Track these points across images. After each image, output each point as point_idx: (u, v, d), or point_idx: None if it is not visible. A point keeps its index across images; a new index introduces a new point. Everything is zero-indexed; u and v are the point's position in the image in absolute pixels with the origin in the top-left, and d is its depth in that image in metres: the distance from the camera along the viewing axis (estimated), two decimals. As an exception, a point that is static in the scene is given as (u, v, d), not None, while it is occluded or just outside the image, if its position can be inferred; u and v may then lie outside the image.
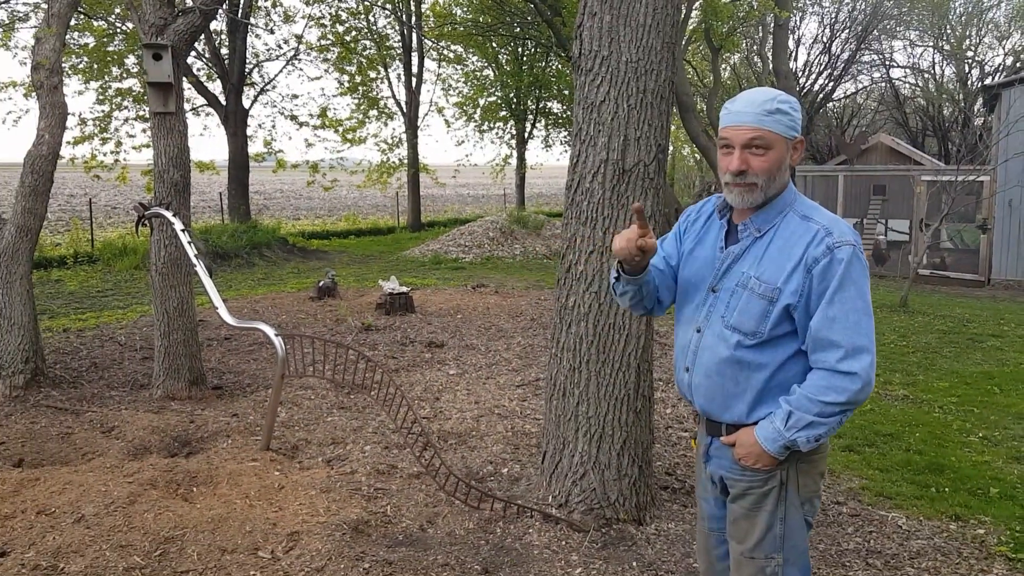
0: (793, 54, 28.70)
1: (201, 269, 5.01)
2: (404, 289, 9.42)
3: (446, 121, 29.68)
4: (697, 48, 27.97)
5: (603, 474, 3.93)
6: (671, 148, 38.79)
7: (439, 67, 27.60)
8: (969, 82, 30.45)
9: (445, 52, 25.89)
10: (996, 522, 4.14)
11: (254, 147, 19.94)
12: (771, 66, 20.84)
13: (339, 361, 6.17)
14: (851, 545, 3.85)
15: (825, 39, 29.51)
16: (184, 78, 18.14)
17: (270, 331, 4.54)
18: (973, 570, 3.63)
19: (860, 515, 4.19)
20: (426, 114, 44.00)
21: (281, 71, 26.94)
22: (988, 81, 25.76)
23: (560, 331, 4.03)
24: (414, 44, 23.64)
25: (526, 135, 30.76)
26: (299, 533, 3.66)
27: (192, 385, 6.07)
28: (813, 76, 30.02)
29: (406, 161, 24.32)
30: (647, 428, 4.09)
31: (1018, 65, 28.98)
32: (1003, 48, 31.55)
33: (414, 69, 24.24)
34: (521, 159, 30.59)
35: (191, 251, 5.12)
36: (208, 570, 3.38)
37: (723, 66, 31.71)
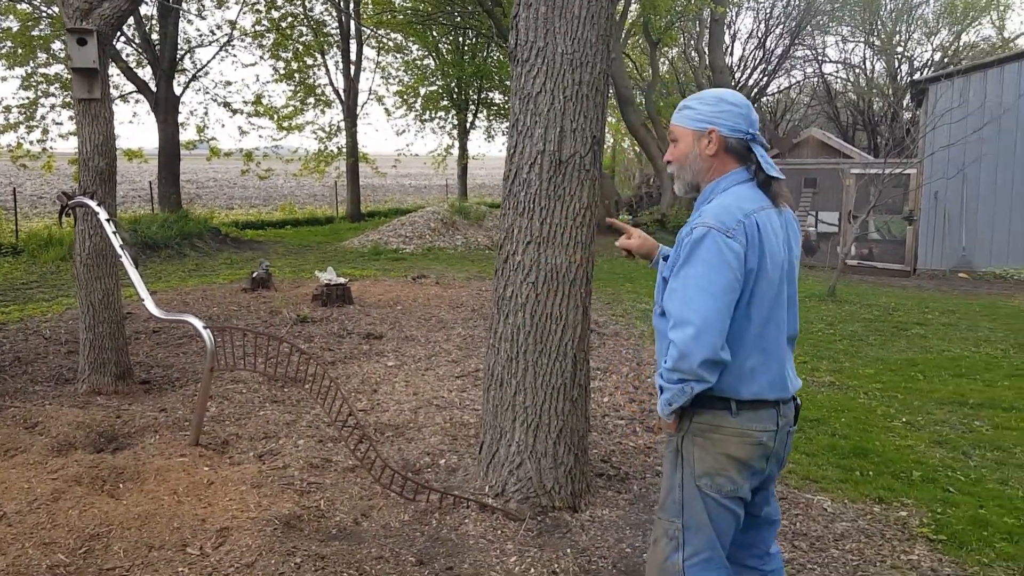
0: (729, 49, 29.21)
1: (126, 260, 4.86)
2: (342, 280, 9.31)
3: (386, 110, 29.42)
4: (636, 42, 28.23)
5: (539, 463, 3.94)
6: (611, 140, 39.13)
7: (378, 55, 27.34)
8: (898, 77, 31.40)
9: (384, 40, 25.61)
10: (918, 504, 4.29)
11: (186, 135, 19.46)
12: (707, 61, 21.14)
13: (272, 354, 6.07)
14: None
15: (760, 34, 30.10)
16: (112, 63, 17.59)
17: (198, 323, 4.43)
18: (896, 551, 3.75)
19: (787, 498, 4.30)
20: (365, 102, 43.28)
21: (214, 57, 26.26)
22: (916, 76, 26.61)
23: (498, 321, 4.03)
24: (352, 31, 23.32)
25: (468, 125, 30.67)
26: (229, 529, 3.60)
27: (119, 379, 5.90)
28: (748, 71, 30.59)
29: (345, 150, 24.03)
30: (583, 417, 4.12)
31: (946, 61, 29.98)
32: (931, 44, 32.64)
33: (352, 57, 23.93)
34: (463, 149, 30.49)
35: (116, 241, 4.96)
36: (135, 567, 3.29)
37: (661, 60, 32.07)
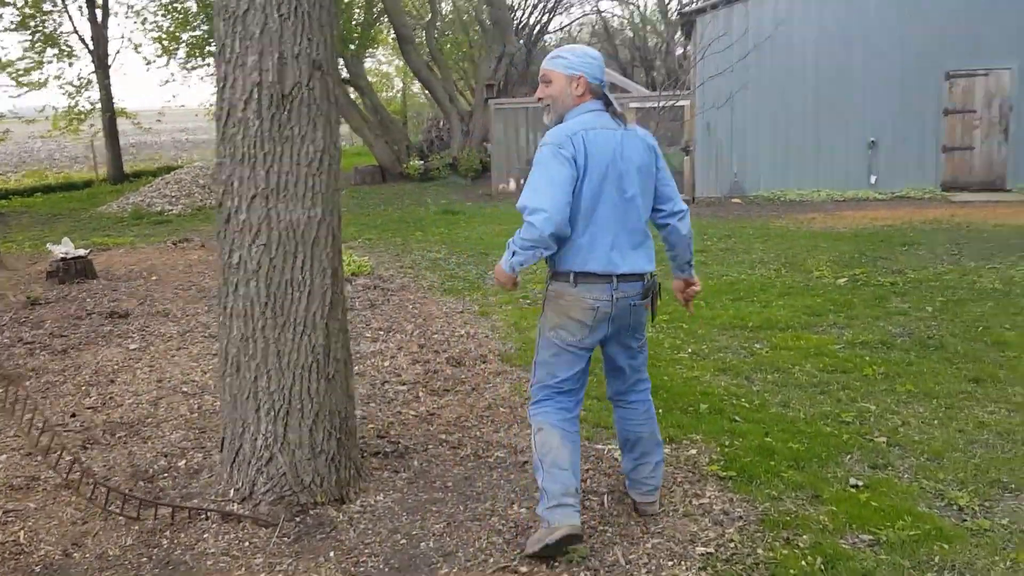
0: (509, -15, 28.84)
1: None
2: (81, 252, 8.08)
3: (145, 59, 26.70)
4: (415, -22, 27.26)
5: (294, 455, 3.37)
6: (401, 84, 37.89)
7: (130, -2, 24.66)
8: (669, 12, 32.52)
9: (134, -20, 23.08)
10: (707, 439, 4.15)
11: None
12: (486, -4, 20.71)
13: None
14: (568, 490, 3.63)
15: (538, -30, 29.90)
16: None
17: None
18: (687, 496, 3.55)
19: (577, 454, 4.00)
20: (118, 52, 39.57)
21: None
22: (684, 9, 27.58)
23: (226, 295, 3.36)
24: (94, -30, 20.73)
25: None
26: None
27: None
28: (529, 9, 30.47)
29: (100, 105, 21.55)
30: (346, 394, 3.58)
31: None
32: (695, -19, 33.93)
33: (98, 0, 21.33)
34: (238, 100, 28.37)
35: None
36: None
37: (443, -1, 31.28)
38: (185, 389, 4.89)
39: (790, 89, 15.08)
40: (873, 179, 14.98)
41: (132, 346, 5.84)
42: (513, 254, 2.92)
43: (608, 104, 3.05)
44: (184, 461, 3.85)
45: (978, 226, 11.15)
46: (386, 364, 5.37)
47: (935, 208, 13.37)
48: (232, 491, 3.38)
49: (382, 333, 6.06)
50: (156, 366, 5.36)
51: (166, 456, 3.91)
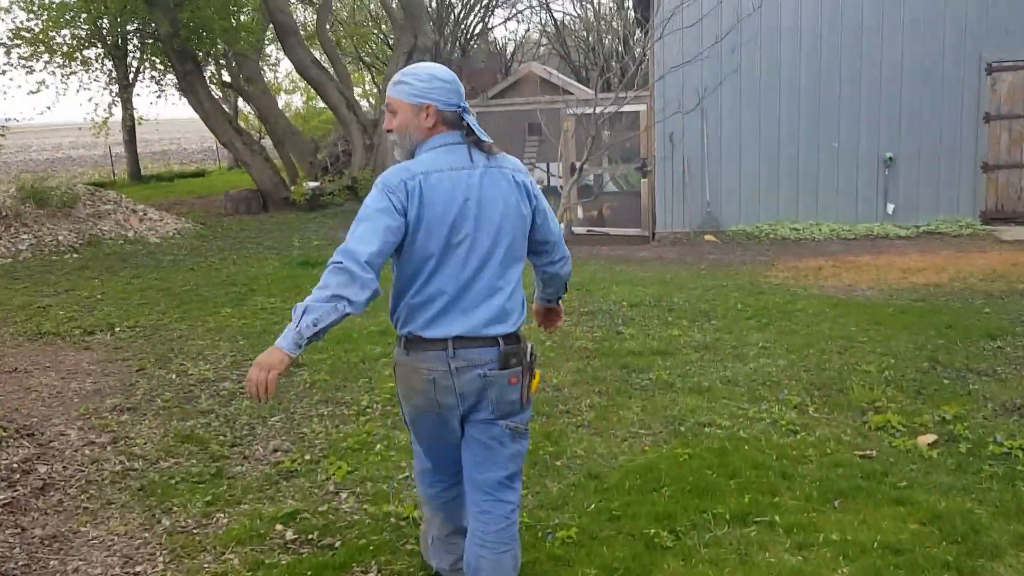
0: (444, -22, 25.00)
1: None
2: None
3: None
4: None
5: None
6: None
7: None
8: (625, 5, 28.99)
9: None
10: None
11: None
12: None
13: None
14: None
15: (478, -39, 26.14)
16: None
17: None
18: None
19: None
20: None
21: None
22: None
23: None
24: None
25: (132, 77, 24.68)
26: None
27: None
28: (470, 3, 26.68)
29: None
30: None
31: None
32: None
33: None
34: (127, 109, 24.57)
35: None
36: None
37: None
38: None
39: (780, 88, 11.32)
40: (891, 208, 11.26)
41: None
42: (304, 312, 2.22)
43: (470, 133, 2.51)
44: None
45: (1075, 289, 7.43)
46: None
47: (983, 251, 9.68)
48: None
49: None
50: None
51: None
